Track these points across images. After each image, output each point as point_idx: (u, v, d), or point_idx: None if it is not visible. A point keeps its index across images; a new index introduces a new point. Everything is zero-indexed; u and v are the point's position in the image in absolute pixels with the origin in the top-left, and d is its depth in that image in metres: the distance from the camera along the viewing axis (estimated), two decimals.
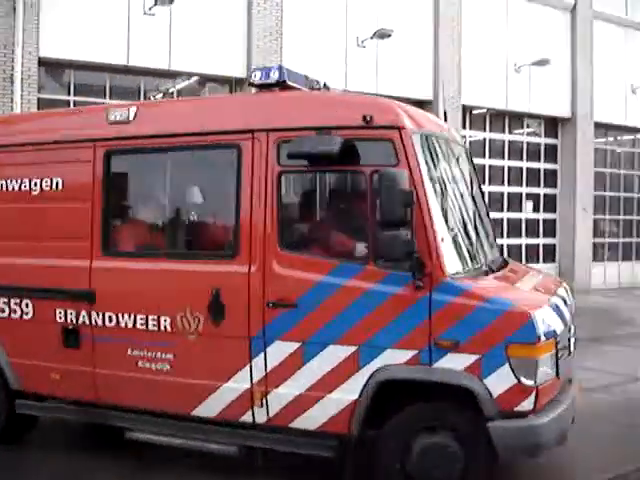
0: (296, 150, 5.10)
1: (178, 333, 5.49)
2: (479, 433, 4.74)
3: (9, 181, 6.29)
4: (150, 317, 5.60)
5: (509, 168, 18.82)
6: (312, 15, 14.83)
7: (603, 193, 20.29)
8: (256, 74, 5.68)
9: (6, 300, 6.22)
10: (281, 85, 5.62)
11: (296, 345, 5.16)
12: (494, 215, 17.54)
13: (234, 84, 14.17)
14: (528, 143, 19.22)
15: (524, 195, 19.07)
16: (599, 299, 17.20)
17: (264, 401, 5.29)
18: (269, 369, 5.26)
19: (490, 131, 18.52)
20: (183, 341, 5.50)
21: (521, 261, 17.81)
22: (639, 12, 20.22)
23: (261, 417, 5.34)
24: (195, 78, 14.15)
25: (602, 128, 19.96)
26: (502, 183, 18.58)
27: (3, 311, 6.26)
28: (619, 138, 21.37)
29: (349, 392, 5.03)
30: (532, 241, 19.19)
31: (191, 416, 5.59)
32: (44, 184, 6.12)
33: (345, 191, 5.80)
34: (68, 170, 6.05)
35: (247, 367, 5.31)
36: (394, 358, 4.91)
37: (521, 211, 19.05)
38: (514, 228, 18.71)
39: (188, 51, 13.35)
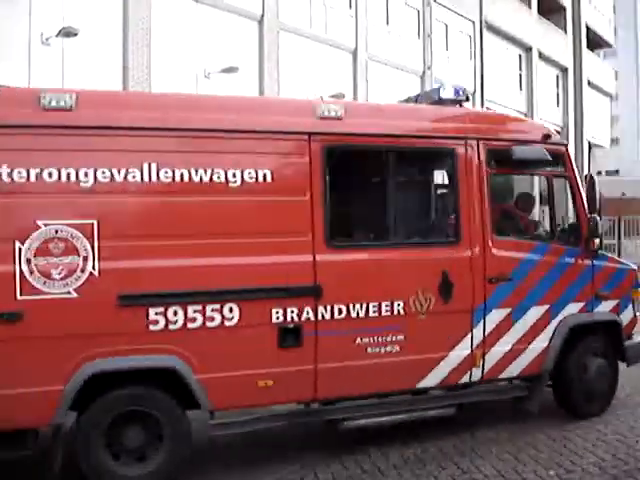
0: (507, 157, 6.65)
1: (410, 315, 6.13)
2: (614, 352, 7.35)
3: (193, 171, 5.51)
4: (384, 304, 6.03)
5: None
6: None
7: None
8: (447, 90, 6.83)
9: (198, 308, 5.47)
10: (463, 101, 6.94)
11: (508, 310, 6.58)
12: None
13: None
14: None
15: None
16: None
17: (481, 361, 6.51)
18: (487, 334, 6.49)
19: None
20: (414, 321, 6.14)
21: None
22: (321, 26, 21.82)
23: (476, 376, 6.54)
24: None
25: None
26: None
27: (194, 321, 5.46)
28: None
29: (542, 341, 6.79)
30: None
31: (413, 390, 6.48)
32: (247, 176, 5.62)
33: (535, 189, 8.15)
34: (275, 162, 5.76)
35: (469, 335, 6.42)
36: (571, 310, 6.95)
37: None
38: None
39: None
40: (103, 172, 5.26)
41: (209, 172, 5.52)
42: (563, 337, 6.83)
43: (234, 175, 5.58)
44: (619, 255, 28.43)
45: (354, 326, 5.93)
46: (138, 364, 5.36)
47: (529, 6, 35.66)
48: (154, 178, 5.39)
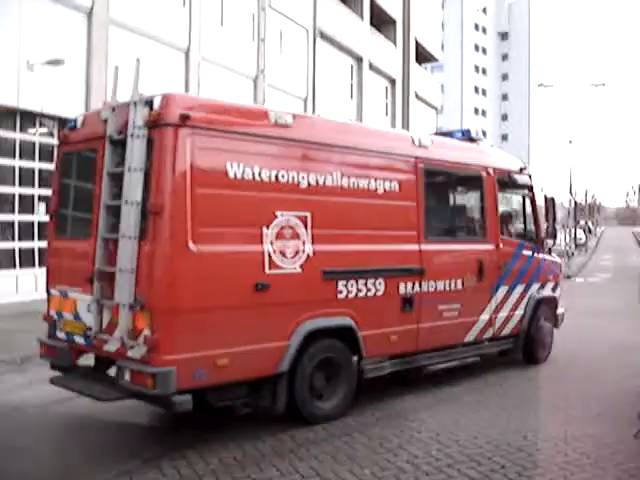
0: (508, 181, 10.04)
1: (463, 289, 8.95)
2: (553, 318, 11.17)
3: (362, 179, 7.68)
4: (452, 281, 8.78)
5: (20, 168, 17.95)
6: None
7: None
8: (476, 132, 10.20)
9: (364, 282, 7.62)
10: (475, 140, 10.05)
11: (507, 287, 9.79)
12: (5, 217, 17.76)
13: None
14: (41, 143, 18.63)
15: (37, 197, 18.18)
16: None
17: (494, 324, 9.59)
18: (497, 303, 9.60)
19: None
20: (464, 294, 8.96)
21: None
22: (153, 23, 21.36)
23: (490, 334, 9.59)
24: None
25: None
26: (13, 184, 17.74)
27: (361, 291, 7.59)
28: None
29: (521, 309, 10.14)
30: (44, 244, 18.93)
31: (459, 344, 9.21)
32: (386, 185, 7.97)
33: (515, 204, 11.10)
34: (400, 176, 8.18)
35: (489, 305, 9.47)
36: (534, 289, 10.39)
37: (33, 213, 18.21)
38: (26, 230, 18.08)
39: None
40: (312, 176, 7.15)
41: (370, 181, 7.75)
42: (532, 307, 10.29)
43: (381, 184, 7.89)
44: None
45: (437, 297, 8.55)
46: (334, 323, 7.38)
47: (362, 18, 36.78)
48: (341, 183, 7.45)
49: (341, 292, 7.36)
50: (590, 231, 71.85)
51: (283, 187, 6.86)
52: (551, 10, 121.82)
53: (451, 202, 10.10)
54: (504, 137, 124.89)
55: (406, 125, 43.45)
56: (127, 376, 6.17)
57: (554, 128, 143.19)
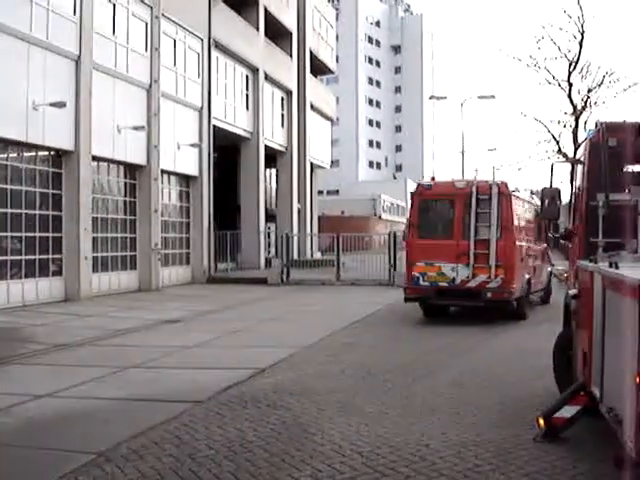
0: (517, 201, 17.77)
1: (540, 265, 20.13)
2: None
3: None
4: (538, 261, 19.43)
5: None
6: None
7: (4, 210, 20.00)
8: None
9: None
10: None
11: (545, 265, 20.65)
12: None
13: None
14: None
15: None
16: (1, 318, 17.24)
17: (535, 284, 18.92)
18: (546, 272, 20.85)
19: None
20: (541, 267, 20.23)
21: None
22: (42, 30, 20.57)
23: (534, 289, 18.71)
24: None
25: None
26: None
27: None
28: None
29: (546, 276, 20.54)
30: None
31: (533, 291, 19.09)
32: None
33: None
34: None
35: (539, 273, 19.81)
36: (548, 267, 20.82)
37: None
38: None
39: None
40: None
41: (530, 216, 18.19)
42: (548, 276, 19.69)
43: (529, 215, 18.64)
44: (338, 270, 30.21)
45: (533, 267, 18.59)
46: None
47: (257, 29, 36.72)
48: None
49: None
50: None
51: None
52: (445, 25, 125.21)
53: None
54: (398, 148, 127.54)
55: (302, 136, 43.64)
56: (489, 295, 15.66)
57: (450, 138, 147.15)
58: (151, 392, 9.45)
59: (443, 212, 16.64)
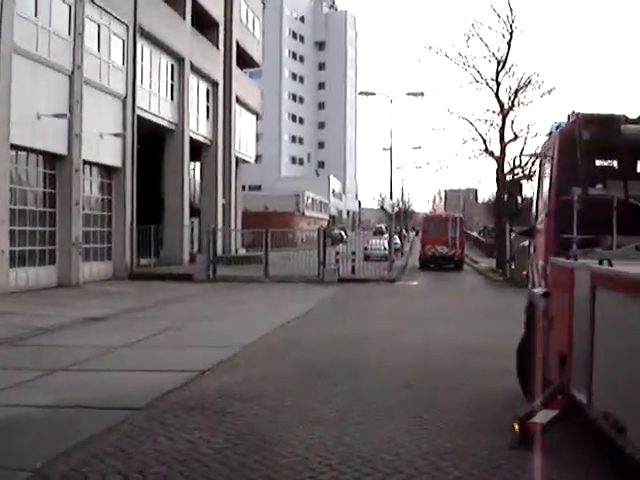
0: None
1: None
2: None
3: None
4: None
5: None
6: None
7: None
8: None
9: None
10: None
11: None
12: None
13: None
14: None
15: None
16: None
17: None
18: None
19: None
20: None
21: None
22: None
23: None
24: None
25: None
26: None
27: None
28: None
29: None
30: None
31: None
32: None
33: None
34: None
35: None
36: None
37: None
38: None
39: None
40: None
41: None
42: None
43: None
44: (267, 267, 29.62)
45: None
46: None
47: (184, 18, 35.66)
48: None
49: None
50: (404, 236, 74.65)
51: None
52: (371, 21, 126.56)
53: None
54: (321, 144, 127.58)
55: (228, 129, 42.79)
56: (455, 258, 41.06)
57: (377, 135, 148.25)
58: (84, 398, 8.61)
59: (437, 226, 41.85)
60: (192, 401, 8.43)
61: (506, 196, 8.69)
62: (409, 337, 13.98)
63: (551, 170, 7.90)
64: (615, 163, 7.58)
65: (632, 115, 7.48)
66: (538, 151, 9.88)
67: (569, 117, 7.47)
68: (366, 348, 12.63)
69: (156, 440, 6.81)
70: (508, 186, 8.75)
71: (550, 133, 8.37)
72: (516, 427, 6.60)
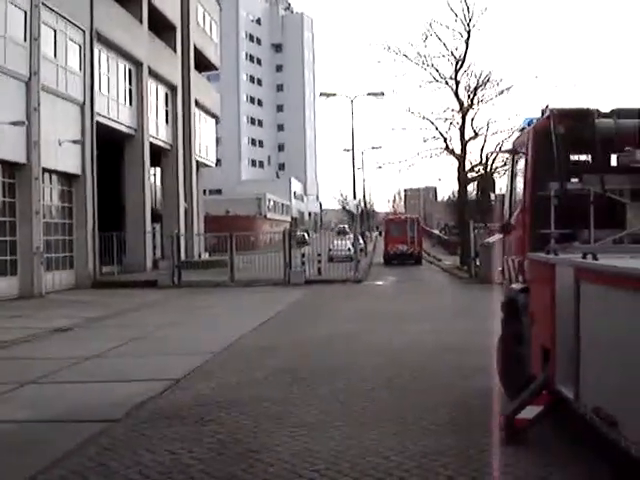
0: None
1: None
2: None
3: None
4: None
5: None
6: None
7: None
8: None
9: None
10: None
11: None
12: None
13: None
14: None
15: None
16: None
17: None
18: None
19: None
20: None
21: None
22: None
23: None
24: None
25: None
26: None
27: None
28: None
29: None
30: None
31: None
32: None
33: None
34: None
35: None
36: None
37: None
38: None
39: None
40: None
41: None
42: None
43: None
44: (232, 271, 29.39)
45: None
46: None
47: (140, 22, 35.25)
48: None
49: None
50: (367, 237, 74.79)
51: None
52: (329, 23, 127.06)
53: None
54: (281, 147, 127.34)
55: (188, 133, 42.45)
56: (415, 255, 45.15)
57: (336, 136, 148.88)
58: (58, 411, 8.40)
59: (398, 226, 45.26)
60: (170, 410, 8.26)
61: (478, 193, 8.68)
62: (382, 337, 13.93)
63: (525, 166, 7.90)
64: (589, 157, 7.60)
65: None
66: (505, 148, 9.89)
67: (543, 112, 7.48)
68: (340, 350, 12.54)
69: (137, 452, 6.65)
70: (480, 183, 8.75)
71: (522, 129, 8.37)
72: (503, 424, 6.58)
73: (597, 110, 7.36)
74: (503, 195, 9.11)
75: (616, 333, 4.94)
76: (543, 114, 7.48)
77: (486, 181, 9.30)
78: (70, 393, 9.48)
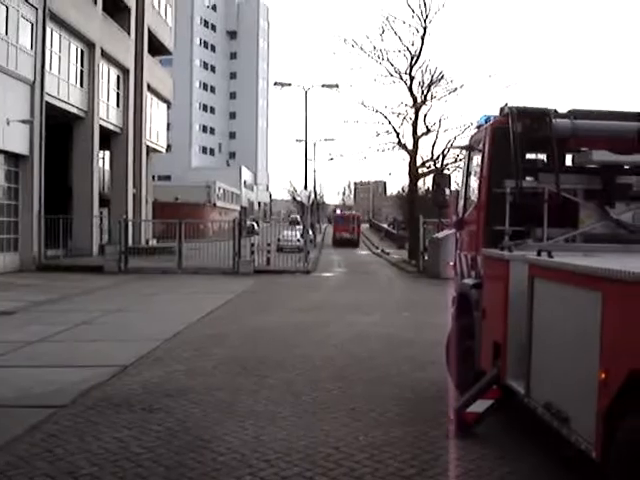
0: None
1: None
2: None
3: None
4: None
5: None
6: None
7: None
8: None
9: None
10: None
11: None
12: None
13: None
14: None
15: None
16: None
17: None
18: None
19: None
20: None
21: None
22: None
23: None
24: None
25: None
26: None
27: None
28: None
29: None
30: None
31: None
32: None
33: None
34: None
35: None
36: None
37: None
38: None
39: None
40: None
41: None
42: None
43: None
44: (180, 258, 29.12)
45: None
46: None
47: (95, 2, 34.58)
48: None
49: None
50: (316, 228, 74.89)
51: None
52: (284, 13, 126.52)
53: None
54: (232, 135, 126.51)
55: (139, 117, 41.85)
56: (354, 239, 65.27)
57: (288, 126, 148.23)
58: (3, 396, 8.20)
59: (343, 220, 68.43)
60: (117, 397, 8.15)
61: (434, 188, 8.74)
62: (332, 328, 13.96)
63: (482, 162, 7.98)
64: (545, 156, 7.70)
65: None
66: (461, 144, 9.96)
67: (502, 110, 7.55)
68: (290, 341, 12.52)
69: (84, 439, 6.54)
70: (435, 178, 8.81)
71: (479, 126, 8.44)
72: (452, 417, 6.66)
73: (554, 110, 7.47)
74: (458, 191, 9.18)
75: (568, 329, 5.02)
76: (502, 112, 7.55)
77: (442, 176, 9.31)
78: (15, 378, 9.24)
